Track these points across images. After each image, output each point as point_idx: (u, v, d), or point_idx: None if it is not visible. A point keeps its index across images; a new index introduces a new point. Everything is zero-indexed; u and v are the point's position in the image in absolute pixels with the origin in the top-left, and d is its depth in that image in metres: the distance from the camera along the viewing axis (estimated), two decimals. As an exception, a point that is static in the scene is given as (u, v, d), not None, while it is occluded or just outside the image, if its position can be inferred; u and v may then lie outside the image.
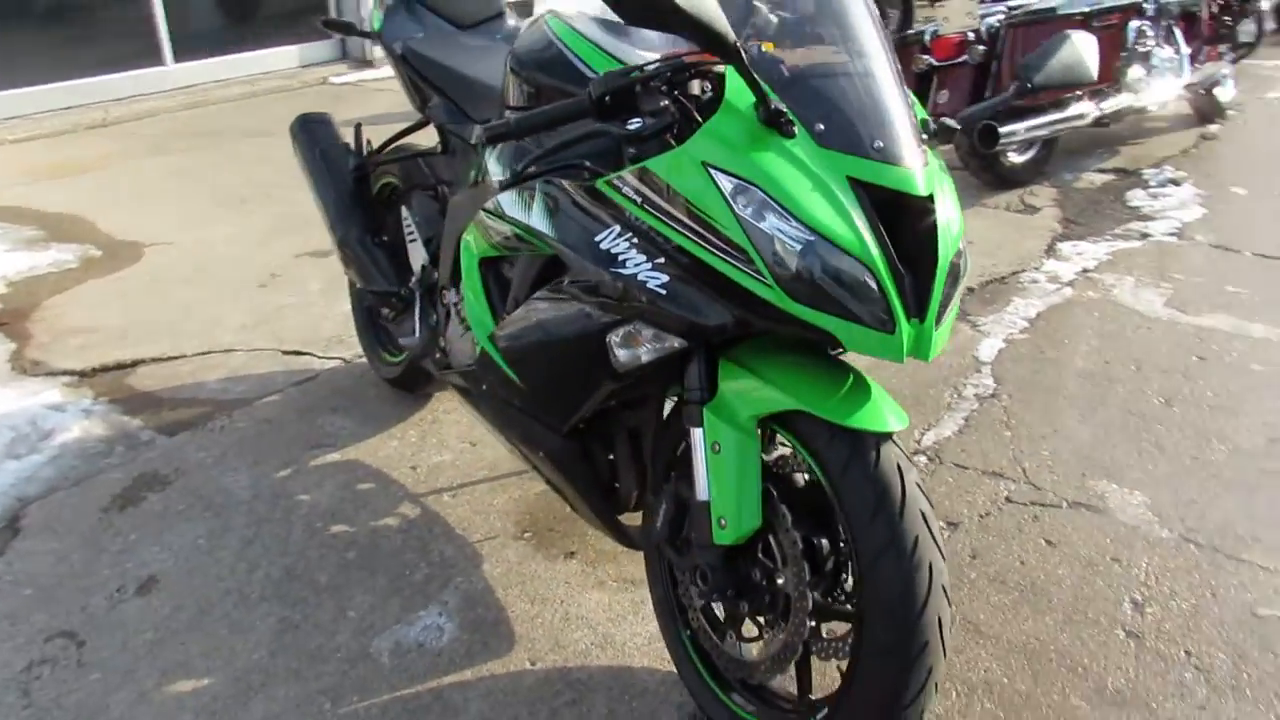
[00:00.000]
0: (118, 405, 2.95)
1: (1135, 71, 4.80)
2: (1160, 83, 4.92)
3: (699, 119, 1.48)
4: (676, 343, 1.51)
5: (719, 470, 1.53)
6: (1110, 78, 4.78)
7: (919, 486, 1.44)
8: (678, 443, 1.72)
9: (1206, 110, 5.64)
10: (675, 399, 1.71)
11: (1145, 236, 4.10)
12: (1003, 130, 4.07)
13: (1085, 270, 3.77)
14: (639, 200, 1.47)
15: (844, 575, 1.58)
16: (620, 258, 1.50)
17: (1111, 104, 4.69)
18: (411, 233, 2.48)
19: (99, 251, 4.17)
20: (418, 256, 2.47)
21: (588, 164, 1.61)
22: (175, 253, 4.15)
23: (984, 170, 4.61)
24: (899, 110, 1.44)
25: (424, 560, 2.25)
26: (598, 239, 1.53)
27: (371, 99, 6.72)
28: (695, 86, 1.58)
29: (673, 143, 1.48)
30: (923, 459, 2.58)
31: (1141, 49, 4.83)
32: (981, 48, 4.30)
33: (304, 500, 2.47)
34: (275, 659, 1.97)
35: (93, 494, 2.52)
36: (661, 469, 1.76)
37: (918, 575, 1.39)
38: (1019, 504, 2.41)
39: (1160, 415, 2.77)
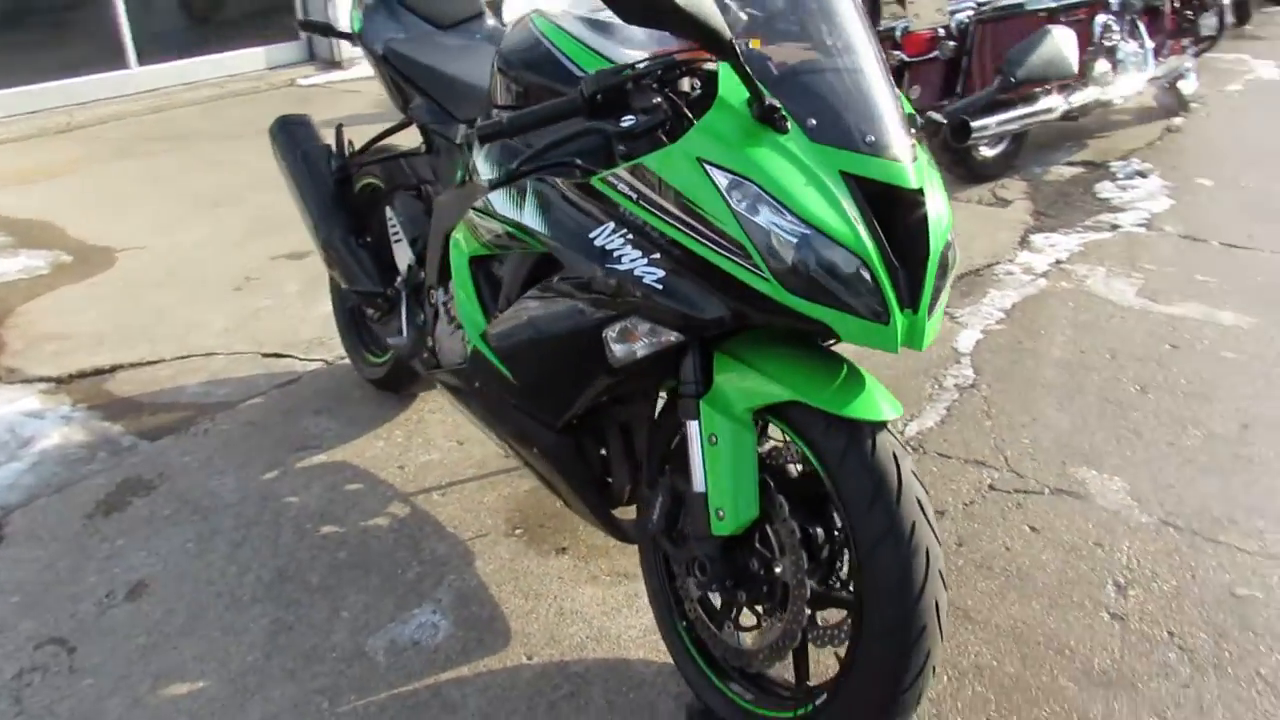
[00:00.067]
0: (97, 411, 2.93)
1: (1101, 66, 4.87)
2: (1126, 77, 5.00)
3: (690, 116, 1.50)
4: (672, 337, 1.53)
5: (716, 462, 1.54)
6: (1078, 72, 4.85)
7: (914, 474, 1.47)
8: (672, 436, 1.74)
9: (1170, 103, 5.74)
10: (668, 393, 1.73)
11: (1115, 228, 4.17)
12: (975, 125, 4.13)
13: (1058, 261, 3.83)
14: (634, 197, 1.49)
15: (839, 563, 1.60)
16: (615, 253, 1.52)
17: (1079, 98, 4.76)
18: (396, 233, 2.48)
19: (70, 257, 4.13)
20: (403, 256, 2.47)
21: (579, 162, 1.62)
22: (148, 257, 4.11)
23: (956, 164, 4.67)
24: (888, 105, 1.47)
25: (416, 559, 2.25)
26: (592, 235, 1.55)
27: (341, 100, 6.69)
28: (685, 84, 1.60)
29: (664, 140, 1.50)
30: (906, 449, 2.62)
31: (1108, 43, 4.91)
32: (952, 43, 4.35)
33: (292, 502, 2.46)
34: (270, 660, 1.97)
35: (76, 500, 2.50)
36: (656, 462, 1.77)
37: (915, 560, 1.42)
38: (1002, 491, 2.45)
39: (1136, 402, 2.83)
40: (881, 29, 4.27)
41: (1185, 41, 5.67)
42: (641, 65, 1.51)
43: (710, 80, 1.55)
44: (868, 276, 1.38)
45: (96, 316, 3.55)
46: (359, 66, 7.47)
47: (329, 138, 2.81)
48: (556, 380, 1.76)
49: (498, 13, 2.70)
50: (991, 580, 2.15)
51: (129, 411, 2.92)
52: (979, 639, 1.99)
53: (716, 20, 1.32)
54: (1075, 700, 1.84)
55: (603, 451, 1.91)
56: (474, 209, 1.88)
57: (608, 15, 1.73)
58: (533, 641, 2.01)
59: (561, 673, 1.93)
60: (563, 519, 2.35)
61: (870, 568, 1.44)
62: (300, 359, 3.20)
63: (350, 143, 2.77)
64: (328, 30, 2.77)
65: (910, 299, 1.41)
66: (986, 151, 4.75)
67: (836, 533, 1.59)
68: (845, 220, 1.38)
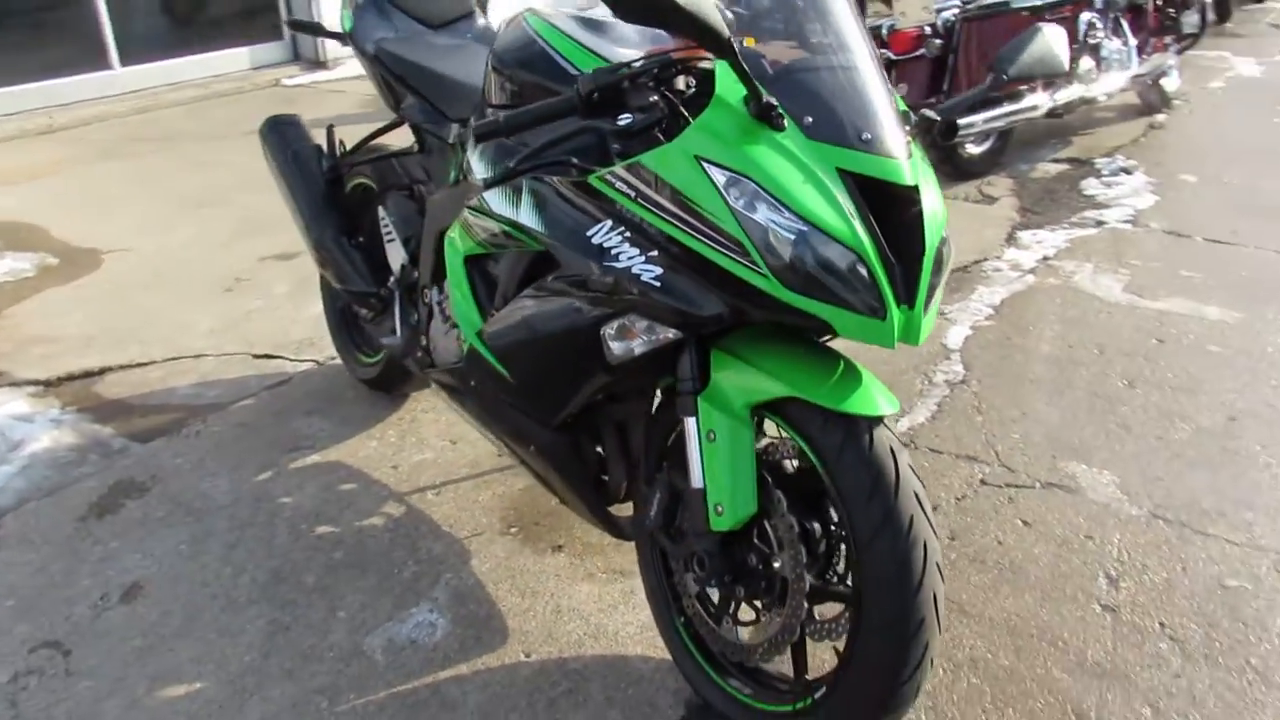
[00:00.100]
0: (87, 414, 2.91)
1: (1086, 63, 4.91)
2: (1110, 74, 5.04)
3: (686, 114, 1.51)
4: (670, 334, 1.54)
5: (714, 458, 1.55)
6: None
7: (911, 468, 1.48)
8: (669, 433, 1.75)
9: (1153, 100, 5.79)
10: (665, 390, 1.74)
11: (1101, 224, 4.20)
12: (961, 122, 4.16)
13: (1045, 258, 3.86)
14: (632, 194, 1.50)
15: (836, 557, 1.62)
16: (613, 251, 1.52)
17: (1064, 95, 4.79)
18: (389, 233, 2.48)
19: (56, 259, 4.10)
20: (396, 256, 2.47)
21: (574, 160, 1.62)
22: (135, 259, 4.09)
23: (943, 162, 4.68)
24: (883, 102, 1.48)
25: (412, 558, 2.25)
26: (590, 233, 1.55)
27: (326, 100, 6.66)
28: (680, 82, 1.61)
29: (661, 138, 1.51)
30: (898, 445, 2.64)
31: (1092, 41, 4.95)
32: (938, 41, 4.38)
33: (286, 503, 2.46)
34: (268, 661, 1.97)
35: (68, 503, 2.49)
36: (653, 459, 1.78)
37: (914, 553, 1.43)
38: (994, 486, 2.47)
39: (1124, 397, 2.86)
40: (867, 27, 4.28)
41: (1168, 39, 5.72)
42: (638, 64, 1.52)
43: (705, 79, 1.56)
44: (865, 272, 1.39)
45: (84, 318, 3.53)
46: (344, 66, 7.46)
47: (319, 138, 2.81)
48: (553, 378, 1.77)
49: (484, 12, 2.70)
50: (985, 574, 2.17)
51: (119, 414, 2.91)
52: (973, 632, 2.01)
53: (716, 19, 1.33)
54: (1069, 691, 1.86)
55: (598, 449, 1.92)
56: (469, 208, 1.88)
57: (601, 13, 1.74)
58: (530, 639, 2.01)
59: (560, 670, 1.94)
60: (558, 517, 2.36)
61: (869, 561, 1.46)
62: (291, 360, 3.19)
63: (341, 143, 2.77)
64: (318, 30, 2.77)
65: (906, 294, 1.42)
66: (973, 149, 4.78)
67: (833, 527, 1.60)
68: (842, 217, 1.39)
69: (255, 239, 4.20)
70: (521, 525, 2.36)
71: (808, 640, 1.66)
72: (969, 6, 4.50)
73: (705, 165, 1.42)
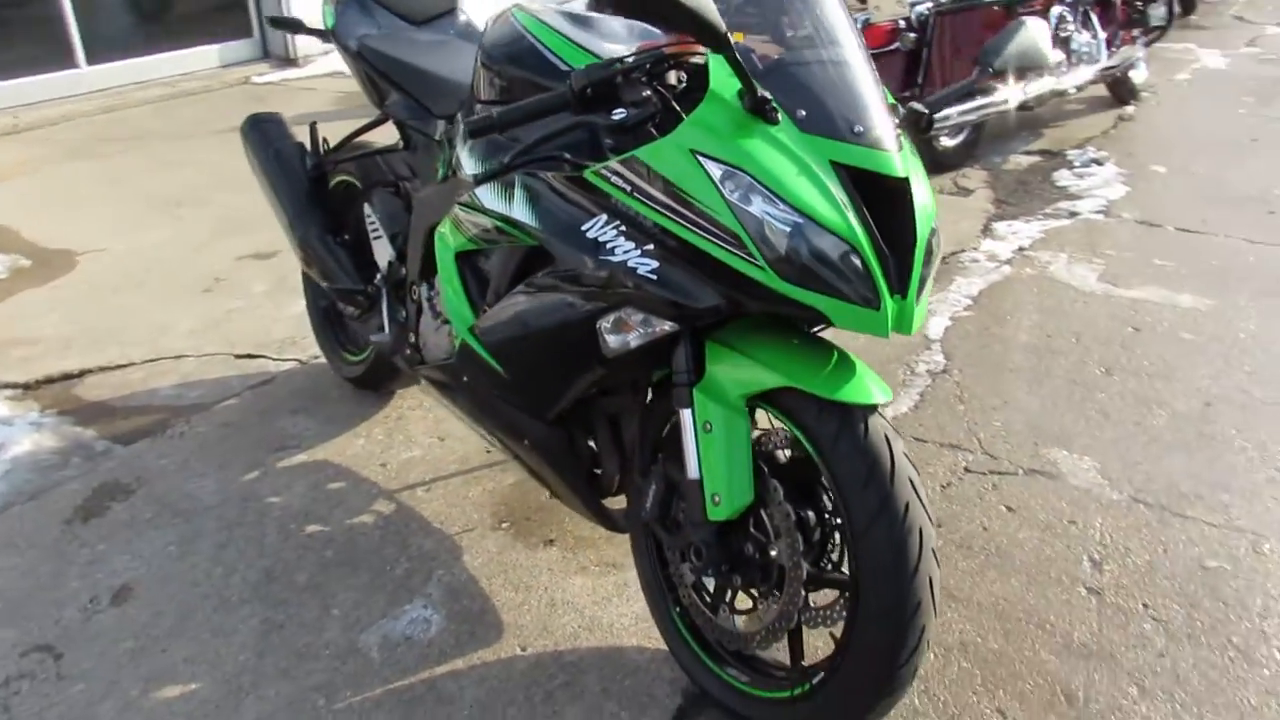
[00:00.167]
0: (68, 416, 2.89)
1: (1056, 56, 4.97)
2: (1080, 67, 5.11)
3: (679, 109, 1.52)
4: (666, 326, 1.55)
5: (710, 449, 1.57)
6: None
7: (906, 455, 1.51)
8: (663, 424, 1.76)
9: (1122, 92, 5.87)
10: (660, 382, 1.75)
11: (1074, 215, 4.26)
12: (936, 115, 4.20)
13: (1021, 249, 3.91)
14: (627, 189, 1.51)
15: (831, 545, 1.64)
16: (608, 245, 1.53)
17: (1035, 88, 4.84)
18: (376, 230, 2.47)
19: (28, 261, 4.05)
20: (383, 253, 2.47)
21: (568, 155, 1.63)
22: (110, 259, 4.04)
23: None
24: (874, 96, 1.50)
25: (404, 555, 2.25)
26: (584, 228, 1.57)
27: (297, 98, 6.61)
28: (673, 77, 1.62)
29: (655, 133, 1.52)
30: (883, 435, 2.67)
31: (1062, 34, 5.00)
32: (912, 35, 4.42)
33: (275, 502, 2.45)
34: (263, 660, 1.97)
35: (52, 506, 2.46)
36: (648, 451, 1.80)
37: (909, 539, 1.46)
38: (978, 473, 2.50)
39: (1102, 384, 2.91)
40: (843, 21, 4.31)
41: (1135, 32, 5.80)
42: (630, 59, 1.53)
43: (697, 74, 1.57)
44: (859, 263, 1.41)
45: (61, 320, 3.50)
46: (315, 64, 7.41)
47: (300, 136, 2.79)
48: (548, 372, 1.78)
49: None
50: (972, 559, 2.20)
51: (101, 416, 2.88)
52: (962, 616, 2.04)
53: (712, 14, 1.34)
54: (1057, 672, 1.89)
55: (591, 443, 1.93)
56: (460, 204, 1.88)
57: (588, 8, 1.75)
58: (525, 633, 2.02)
59: (556, 662, 1.95)
60: (549, 511, 2.37)
61: (865, 548, 1.48)
62: (274, 359, 3.18)
63: (325, 140, 2.76)
64: (299, 27, 2.75)
65: (899, 285, 1.45)
66: (947, 141, 4.82)
67: (828, 515, 1.62)
68: (836, 208, 1.41)
69: (232, 238, 4.17)
70: (513, 520, 2.36)
71: (804, 627, 1.68)
72: (942, 1, 4.54)
73: (701, 159, 1.43)
